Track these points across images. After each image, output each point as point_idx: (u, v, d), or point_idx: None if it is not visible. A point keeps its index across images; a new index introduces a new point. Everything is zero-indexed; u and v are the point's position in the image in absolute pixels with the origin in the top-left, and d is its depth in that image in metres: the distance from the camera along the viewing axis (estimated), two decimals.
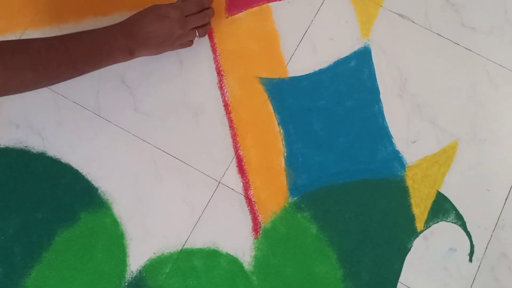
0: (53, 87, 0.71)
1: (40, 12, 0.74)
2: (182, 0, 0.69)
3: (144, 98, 0.72)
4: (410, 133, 0.71)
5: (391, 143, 0.71)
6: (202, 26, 0.71)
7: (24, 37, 0.73)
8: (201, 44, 0.74)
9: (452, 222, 0.68)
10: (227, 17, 0.75)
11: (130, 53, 0.65)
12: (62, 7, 0.74)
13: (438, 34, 0.74)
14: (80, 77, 0.68)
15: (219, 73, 0.74)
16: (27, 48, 0.58)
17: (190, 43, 0.71)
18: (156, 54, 0.68)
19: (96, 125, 0.70)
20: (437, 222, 0.68)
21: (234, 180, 0.70)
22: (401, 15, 0.75)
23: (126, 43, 0.64)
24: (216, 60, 0.74)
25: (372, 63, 0.74)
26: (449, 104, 0.72)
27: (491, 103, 0.72)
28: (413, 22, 0.75)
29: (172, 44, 0.68)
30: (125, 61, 0.66)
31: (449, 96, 0.73)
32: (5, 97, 0.59)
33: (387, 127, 0.71)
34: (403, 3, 0.75)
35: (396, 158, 0.70)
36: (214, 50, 0.74)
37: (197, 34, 0.70)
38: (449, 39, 0.74)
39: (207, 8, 0.71)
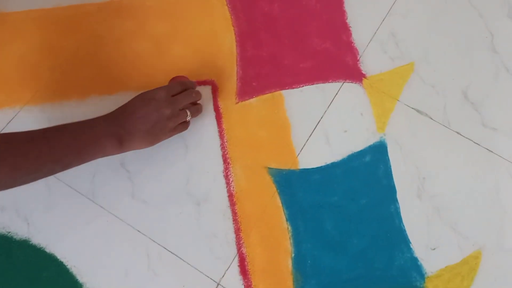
0: None
1: (42, 88, 0.71)
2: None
3: (144, 184, 0.67)
4: (429, 239, 0.65)
5: (409, 248, 0.65)
6: (193, 106, 0.67)
7: (22, 112, 0.69)
8: (209, 129, 0.70)
9: None
10: (237, 103, 0.72)
11: (119, 143, 0.60)
12: (65, 84, 0.71)
13: (458, 133, 0.71)
14: None
15: (225, 160, 0.69)
16: (3, 141, 0.54)
17: (184, 126, 0.67)
18: (150, 145, 0.63)
19: (89, 212, 0.65)
20: None
21: (234, 282, 0.63)
22: (418, 111, 0.72)
23: (114, 132, 0.60)
24: (223, 147, 0.70)
25: (388, 159, 0.69)
26: (471, 208, 0.67)
27: None
28: (431, 119, 0.72)
29: (164, 128, 0.63)
30: (116, 153, 0.61)
31: (471, 199, 0.68)
32: None
33: (405, 230, 0.66)
34: (421, 98, 0.73)
35: (415, 266, 0.64)
36: (221, 136, 0.70)
37: (188, 114, 0.66)
38: (469, 139, 0.70)
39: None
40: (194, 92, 0.67)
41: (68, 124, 0.59)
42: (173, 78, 0.70)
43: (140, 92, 0.64)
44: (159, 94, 0.63)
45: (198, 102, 0.69)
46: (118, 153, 0.61)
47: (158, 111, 0.62)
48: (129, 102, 0.63)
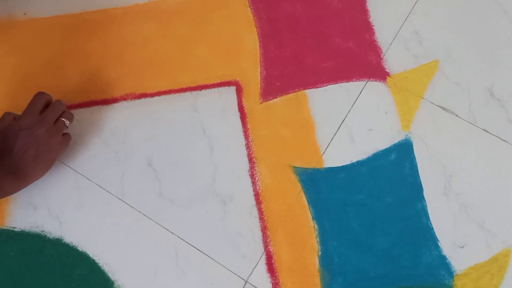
0: (77, 167, 0.68)
1: (71, 91, 0.72)
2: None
3: (171, 183, 0.68)
4: (457, 237, 0.65)
5: (436, 246, 0.64)
6: (64, 113, 0.66)
7: None
8: (234, 129, 0.71)
9: None
10: (261, 103, 0.73)
11: (16, 180, 0.60)
12: (93, 88, 0.73)
13: (484, 130, 0.70)
14: (106, 158, 0.65)
15: (250, 160, 0.70)
16: None
17: (68, 137, 0.67)
18: (47, 169, 0.64)
19: (118, 211, 0.66)
20: None
21: (262, 280, 0.63)
22: (443, 108, 0.72)
23: (6, 171, 0.59)
24: (248, 147, 0.70)
25: (414, 157, 0.69)
26: (498, 205, 0.67)
27: None
28: (457, 116, 0.71)
29: (49, 148, 0.62)
30: (18, 189, 0.62)
31: (499, 197, 0.67)
32: None
33: (432, 228, 0.65)
34: (445, 95, 0.72)
35: (443, 264, 0.63)
36: (246, 136, 0.71)
37: (66, 121, 0.65)
38: (496, 136, 0.70)
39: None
40: (60, 103, 0.66)
41: None
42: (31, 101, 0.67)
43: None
44: (24, 121, 0.62)
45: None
46: (21, 189, 0.62)
47: (33, 136, 0.61)
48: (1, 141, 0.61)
